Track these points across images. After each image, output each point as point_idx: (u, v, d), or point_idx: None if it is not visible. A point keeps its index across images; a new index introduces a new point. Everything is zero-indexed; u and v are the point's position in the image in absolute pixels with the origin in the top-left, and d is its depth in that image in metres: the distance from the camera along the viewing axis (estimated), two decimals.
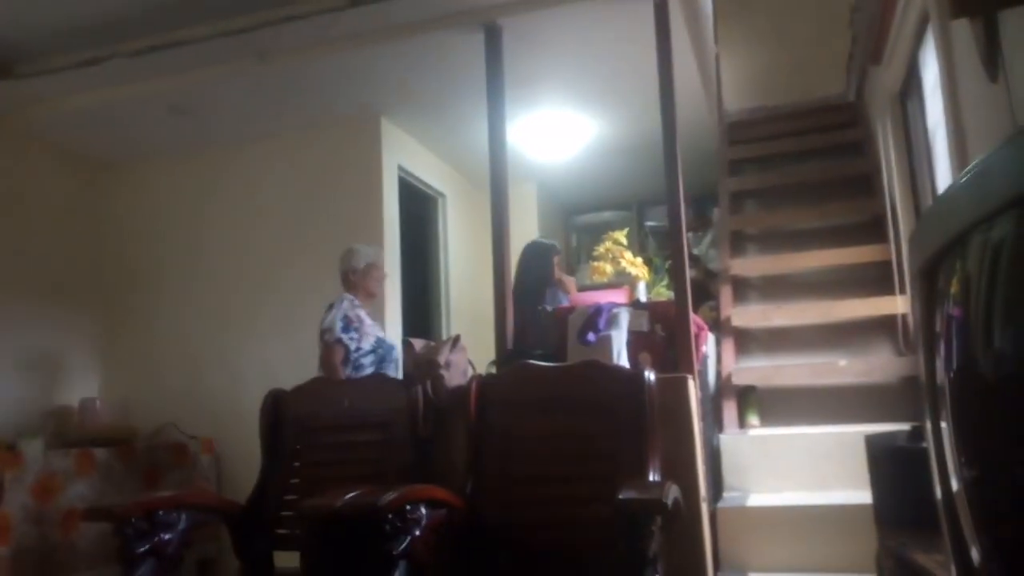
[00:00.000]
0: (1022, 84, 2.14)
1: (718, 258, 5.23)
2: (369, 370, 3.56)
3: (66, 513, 3.53)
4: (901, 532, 2.17)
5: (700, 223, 6.31)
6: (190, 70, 4.00)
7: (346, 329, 3.57)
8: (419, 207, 5.39)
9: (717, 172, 5.69)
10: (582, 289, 4.43)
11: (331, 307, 3.68)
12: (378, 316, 4.36)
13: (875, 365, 4.19)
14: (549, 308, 3.72)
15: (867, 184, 5.24)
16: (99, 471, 3.77)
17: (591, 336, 3.18)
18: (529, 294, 3.98)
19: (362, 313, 3.69)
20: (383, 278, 3.92)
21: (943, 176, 3.69)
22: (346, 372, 3.50)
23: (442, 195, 5.50)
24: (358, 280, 3.78)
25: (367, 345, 3.60)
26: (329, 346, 3.53)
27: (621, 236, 3.99)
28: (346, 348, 3.52)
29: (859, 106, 5.92)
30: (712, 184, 5.71)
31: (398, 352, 3.73)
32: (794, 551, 3.21)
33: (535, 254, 4.28)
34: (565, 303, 3.87)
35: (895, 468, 2.35)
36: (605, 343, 3.12)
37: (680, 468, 2.76)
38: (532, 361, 3.03)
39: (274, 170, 4.77)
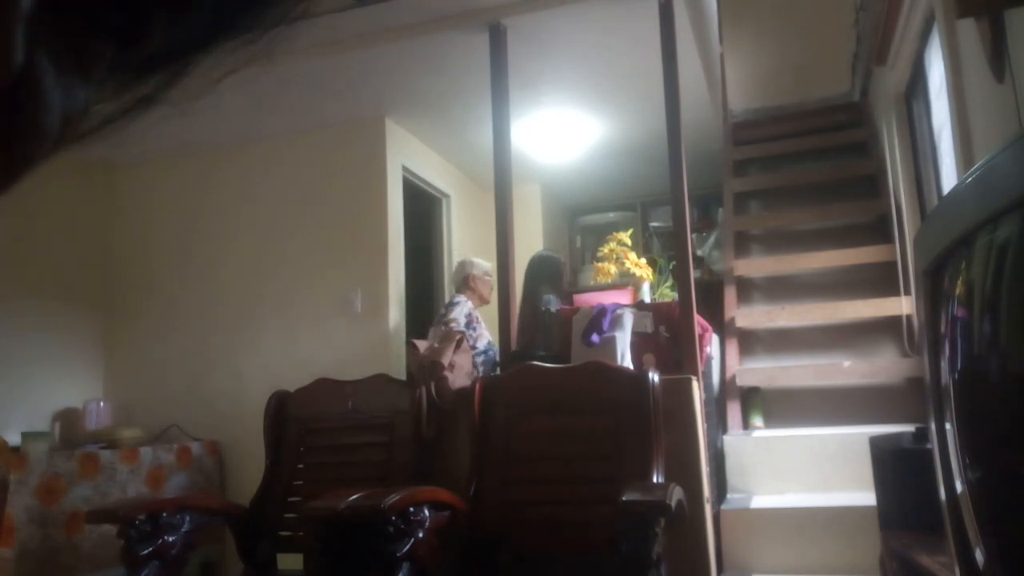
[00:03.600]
0: None
1: (722, 259, 5.22)
2: (480, 370, 3.68)
3: (70, 515, 3.53)
4: (905, 534, 2.16)
5: (705, 224, 6.31)
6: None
7: (468, 326, 3.80)
8: (423, 207, 5.39)
9: (722, 173, 5.69)
10: (586, 290, 4.43)
11: (450, 305, 3.96)
12: (382, 317, 4.37)
13: (880, 366, 4.18)
14: (553, 309, 3.73)
15: (872, 184, 5.23)
16: (103, 473, 3.77)
17: (595, 337, 3.17)
18: (536, 301, 4.04)
19: (478, 315, 3.97)
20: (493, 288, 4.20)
21: (948, 176, 3.68)
22: None
23: (446, 195, 5.49)
24: (477, 284, 4.13)
25: (481, 346, 3.77)
26: (450, 332, 3.68)
27: (625, 237, 3.98)
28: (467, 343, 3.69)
29: (864, 106, 5.91)
30: (717, 185, 5.70)
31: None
32: (798, 553, 3.20)
33: (542, 265, 4.36)
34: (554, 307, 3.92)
35: (899, 470, 2.35)
36: (609, 344, 3.12)
37: (684, 470, 2.76)
38: (536, 362, 3.03)
39: (278, 171, 4.77)
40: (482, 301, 4.19)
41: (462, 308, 3.92)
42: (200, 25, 0.28)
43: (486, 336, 3.92)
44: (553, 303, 3.90)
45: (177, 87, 0.30)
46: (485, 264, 4.26)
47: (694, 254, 4.27)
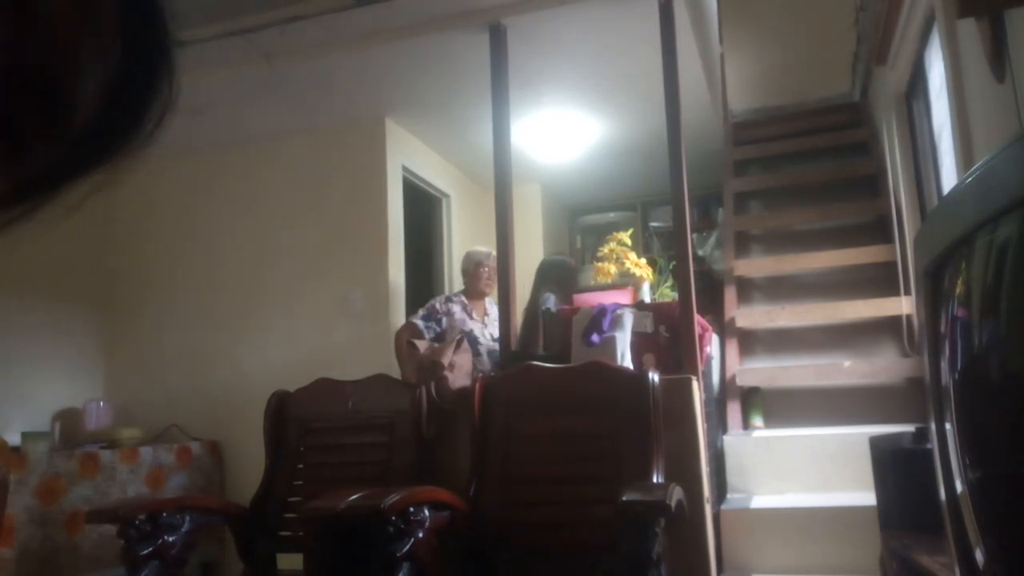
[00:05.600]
0: None
1: (723, 259, 5.22)
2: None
3: (70, 515, 3.53)
4: (905, 534, 2.16)
5: (705, 224, 6.31)
6: (194, 71, 3.98)
7: (426, 318, 3.92)
8: (424, 207, 5.39)
9: (722, 173, 5.69)
10: (586, 290, 4.43)
11: None
12: (382, 317, 4.37)
13: (880, 366, 4.18)
14: (553, 309, 3.73)
15: (872, 184, 5.23)
16: (103, 473, 3.77)
17: (595, 337, 3.17)
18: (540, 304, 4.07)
19: (455, 307, 4.01)
20: (491, 275, 4.13)
21: (948, 176, 3.68)
22: None
23: (446, 195, 5.49)
24: (468, 280, 4.18)
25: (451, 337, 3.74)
26: (402, 327, 3.81)
27: (625, 237, 3.98)
28: (420, 332, 3.81)
29: (864, 106, 5.91)
30: (717, 185, 5.70)
31: (490, 345, 3.94)
32: (798, 553, 3.20)
33: (552, 268, 4.38)
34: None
35: (899, 470, 2.35)
36: (609, 344, 3.12)
37: (684, 469, 2.76)
38: (536, 362, 3.03)
39: (278, 171, 4.77)
40: (479, 295, 4.15)
41: (430, 303, 4.04)
42: (70, 155, 0.35)
43: (458, 328, 3.89)
44: (551, 301, 3.90)
45: (51, 203, 0.37)
46: (481, 253, 4.20)
47: (694, 254, 4.27)
